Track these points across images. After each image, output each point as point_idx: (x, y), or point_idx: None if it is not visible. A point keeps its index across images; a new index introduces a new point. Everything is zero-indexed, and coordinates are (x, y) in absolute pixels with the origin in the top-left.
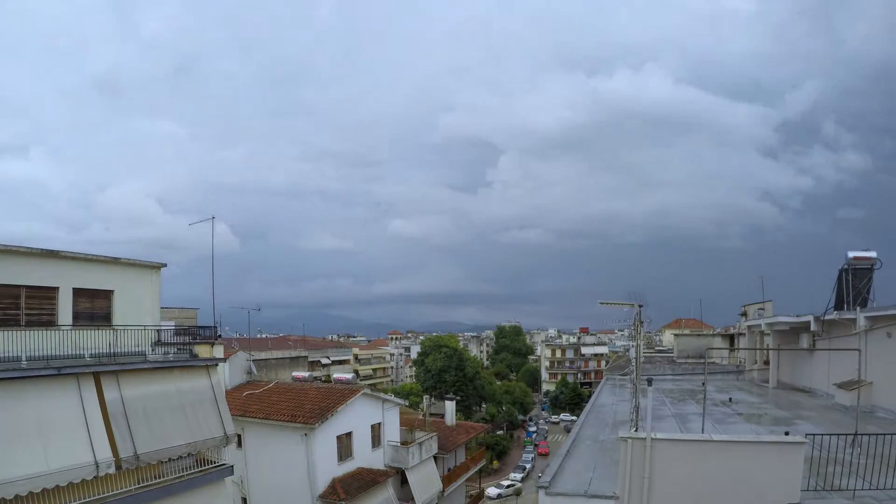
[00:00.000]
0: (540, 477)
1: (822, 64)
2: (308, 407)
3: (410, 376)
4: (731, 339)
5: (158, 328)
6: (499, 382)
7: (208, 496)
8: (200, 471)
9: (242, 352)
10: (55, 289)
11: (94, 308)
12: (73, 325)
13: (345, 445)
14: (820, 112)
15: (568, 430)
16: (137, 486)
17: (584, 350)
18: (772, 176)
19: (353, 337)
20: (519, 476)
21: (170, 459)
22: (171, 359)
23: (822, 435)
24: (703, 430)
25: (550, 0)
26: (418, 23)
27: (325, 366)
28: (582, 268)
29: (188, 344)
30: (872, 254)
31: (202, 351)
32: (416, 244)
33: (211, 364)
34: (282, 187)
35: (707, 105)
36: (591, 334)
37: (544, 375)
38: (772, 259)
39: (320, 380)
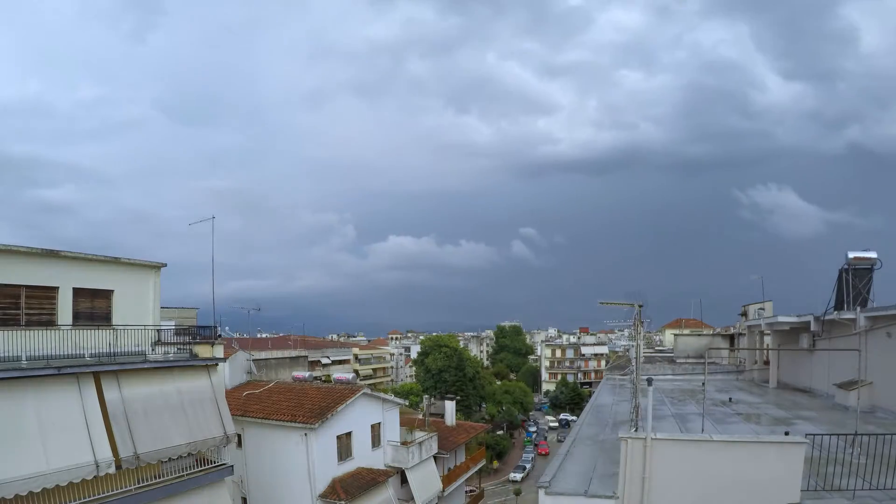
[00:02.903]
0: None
1: None
2: (308, 407)
3: (410, 376)
4: (731, 339)
5: (158, 328)
6: (499, 382)
7: (208, 496)
8: (200, 471)
9: (242, 351)
10: (55, 288)
11: (94, 308)
12: (73, 325)
13: (345, 445)
14: None
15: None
16: (137, 485)
17: (584, 350)
18: None
19: (353, 336)
20: (519, 476)
21: (170, 459)
22: (171, 359)
23: (822, 435)
24: (703, 430)
25: None
26: None
27: (325, 366)
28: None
29: (188, 344)
30: (872, 254)
31: (202, 351)
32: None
33: (211, 364)
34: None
35: None
36: (591, 334)
37: (544, 375)
38: None
39: (320, 380)
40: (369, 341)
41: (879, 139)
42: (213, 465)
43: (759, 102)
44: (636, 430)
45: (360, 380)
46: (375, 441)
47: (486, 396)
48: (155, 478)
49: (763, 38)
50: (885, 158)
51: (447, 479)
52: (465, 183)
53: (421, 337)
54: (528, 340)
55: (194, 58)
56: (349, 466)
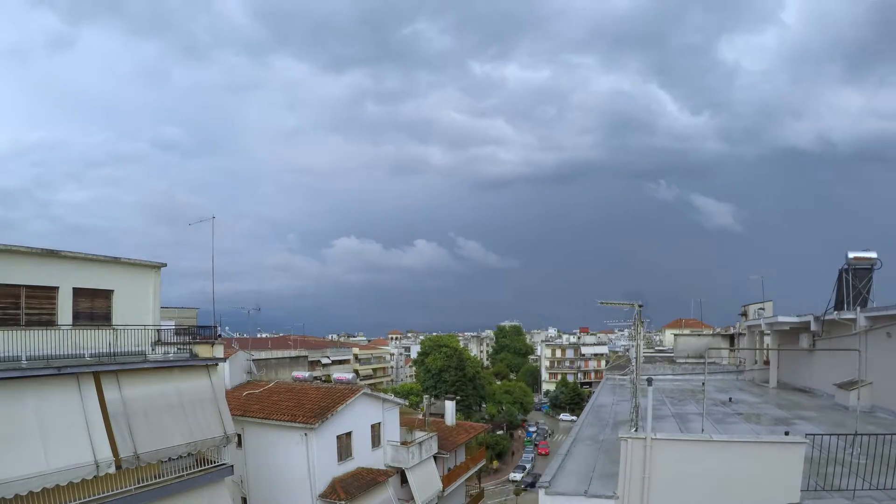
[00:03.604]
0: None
1: None
2: (308, 407)
3: (410, 376)
4: (731, 339)
5: (158, 328)
6: (499, 382)
7: (208, 496)
8: (200, 470)
9: (242, 351)
10: (55, 288)
11: (94, 308)
12: (73, 325)
13: (345, 445)
14: None
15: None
16: (137, 485)
17: (584, 350)
18: None
19: (353, 336)
20: (519, 476)
21: (170, 459)
22: (171, 359)
23: (822, 435)
24: (703, 430)
25: None
26: None
27: (325, 365)
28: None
29: (188, 344)
30: (872, 254)
31: (202, 351)
32: None
33: (211, 364)
34: None
35: None
36: (592, 334)
37: (544, 375)
38: None
39: (320, 379)
40: (369, 341)
41: (789, 143)
42: (213, 465)
43: (673, 127)
44: (636, 430)
45: (360, 380)
46: (375, 441)
47: (486, 396)
48: (155, 478)
49: (659, 80)
50: (800, 157)
51: (447, 479)
52: (425, 195)
53: (421, 337)
54: (528, 340)
55: (190, 107)
56: (349, 466)
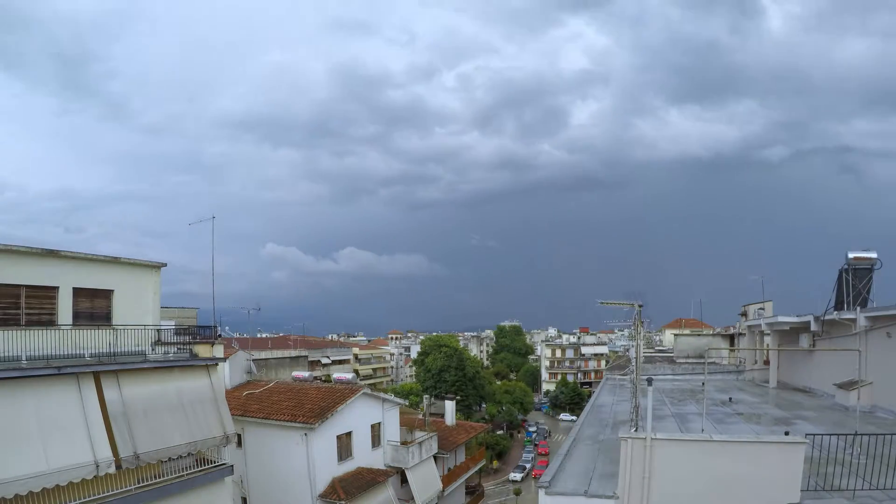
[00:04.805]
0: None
1: None
2: (308, 406)
3: (410, 376)
4: (731, 339)
5: (158, 328)
6: (499, 382)
7: (208, 496)
8: (200, 470)
9: (242, 351)
10: (55, 288)
11: (94, 307)
12: (73, 325)
13: (345, 445)
14: None
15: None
16: (137, 485)
17: (585, 350)
18: None
19: (354, 336)
20: (519, 476)
21: (170, 459)
22: (171, 358)
23: (822, 435)
24: (702, 430)
25: None
26: None
27: (325, 365)
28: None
29: (188, 343)
30: (873, 254)
31: (202, 351)
32: None
33: (211, 364)
34: None
35: None
36: (592, 334)
37: (544, 375)
38: None
39: (320, 379)
40: (369, 341)
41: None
42: (213, 464)
43: (560, 162)
44: (636, 430)
45: (360, 380)
46: (375, 441)
47: (486, 396)
48: (155, 478)
49: (534, 138)
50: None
51: (447, 479)
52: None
53: (421, 337)
54: (528, 340)
55: (189, 164)
56: (349, 466)
